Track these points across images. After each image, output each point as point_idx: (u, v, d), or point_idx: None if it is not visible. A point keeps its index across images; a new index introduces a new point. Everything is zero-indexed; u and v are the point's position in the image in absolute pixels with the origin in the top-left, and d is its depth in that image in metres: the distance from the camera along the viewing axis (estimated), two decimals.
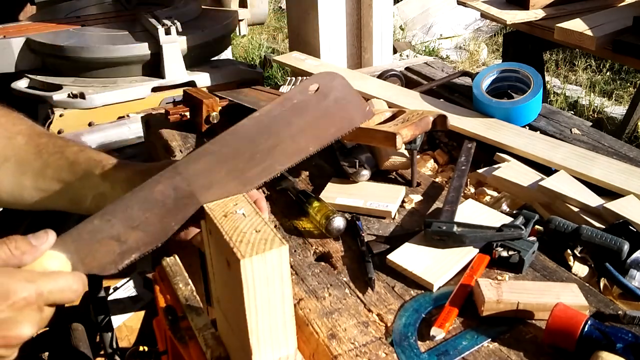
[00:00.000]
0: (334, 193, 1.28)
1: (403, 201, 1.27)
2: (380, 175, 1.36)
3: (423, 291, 1.01)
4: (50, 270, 0.71)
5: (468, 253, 1.07)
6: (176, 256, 1.12)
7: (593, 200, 1.21)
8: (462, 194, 1.26)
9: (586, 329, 0.84)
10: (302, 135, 0.84)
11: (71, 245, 0.73)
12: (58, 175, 0.89)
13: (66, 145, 0.91)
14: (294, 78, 1.89)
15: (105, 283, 1.83)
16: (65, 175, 0.89)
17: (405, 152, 1.34)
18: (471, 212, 1.19)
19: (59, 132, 2.03)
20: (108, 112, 2.16)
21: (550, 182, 1.25)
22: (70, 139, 0.96)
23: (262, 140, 0.82)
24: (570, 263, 1.10)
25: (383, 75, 1.87)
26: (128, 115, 2.18)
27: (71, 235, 0.74)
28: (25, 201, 0.93)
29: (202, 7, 2.72)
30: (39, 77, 2.24)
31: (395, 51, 4.89)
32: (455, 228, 1.07)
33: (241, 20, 2.95)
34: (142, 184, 0.78)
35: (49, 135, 0.95)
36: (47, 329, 1.40)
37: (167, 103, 2.13)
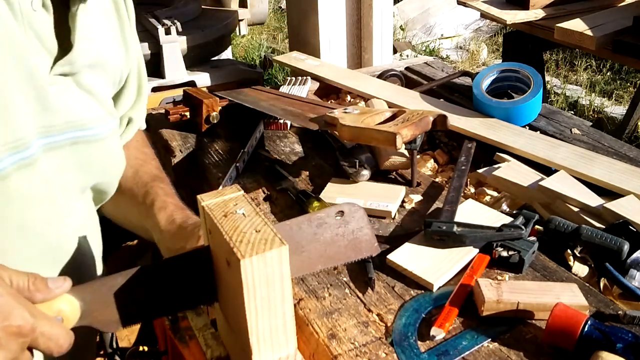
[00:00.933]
0: (334, 193, 1.28)
1: (403, 201, 1.27)
2: (380, 175, 1.36)
3: (423, 291, 1.01)
4: (54, 315, 0.71)
5: (468, 253, 1.07)
6: None
7: (593, 200, 1.21)
8: (462, 194, 1.26)
9: (586, 329, 0.84)
10: (315, 254, 0.92)
11: (88, 295, 0.75)
12: (143, 227, 1.07)
13: (150, 210, 1.05)
14: (294, 78, 1.89)
15: None
16: (148, 230, 1.06)
17: (405, 152, 1.34)
18: (471, 212, 1.19)
19: None
20: None
21: (550, 182, 1.25)
22: (155, 199, 1.07)
23: None
24: (570, 263, 1.09)
25: (383, 75, 1.87)
26: None
27: (92, 285, 0.76)
28: (120, 224, 1.15)
29: (202, 7, 2.73)
30: None
31: (395, 51, 4.89)
32: (455, 228, 1.07)
33: (241, 20, 2.95)
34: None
35: (145, 187, 1.09)
36: None
37: (167, 103, 2.13)
